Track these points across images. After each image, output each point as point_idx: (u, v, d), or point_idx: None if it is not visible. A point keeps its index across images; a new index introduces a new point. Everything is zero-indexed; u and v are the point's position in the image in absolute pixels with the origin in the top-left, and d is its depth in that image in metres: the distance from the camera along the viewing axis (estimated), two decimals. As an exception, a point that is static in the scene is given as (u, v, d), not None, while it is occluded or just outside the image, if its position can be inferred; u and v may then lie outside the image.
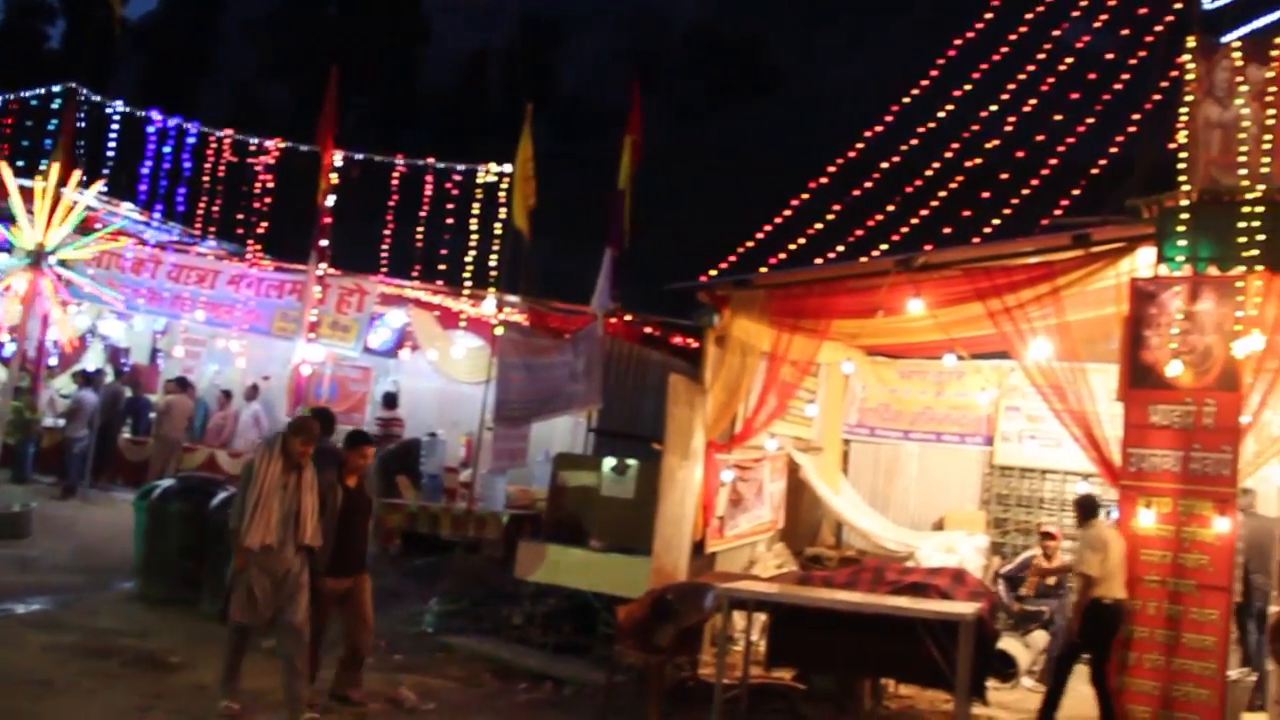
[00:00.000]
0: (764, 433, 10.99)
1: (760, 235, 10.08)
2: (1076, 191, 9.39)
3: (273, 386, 17.66)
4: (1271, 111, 8.59)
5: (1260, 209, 8.22)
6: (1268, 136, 8.53)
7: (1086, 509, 9.22)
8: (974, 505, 13.35)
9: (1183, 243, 8.42)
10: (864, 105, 10.37)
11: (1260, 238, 8.17)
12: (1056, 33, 10.16)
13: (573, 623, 10.31)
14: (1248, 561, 10.90)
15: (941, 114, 10.01)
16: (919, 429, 13.54)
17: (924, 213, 9.72)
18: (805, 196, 9.98)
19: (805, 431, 12.96)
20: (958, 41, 10.20)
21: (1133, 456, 8.56)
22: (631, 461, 10.68)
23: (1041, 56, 10.07)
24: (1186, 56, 8.96)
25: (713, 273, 9.94)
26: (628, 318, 13.87)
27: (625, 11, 50.78)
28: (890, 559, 11.77)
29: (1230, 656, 8.88)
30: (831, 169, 10.16)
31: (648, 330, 14.75)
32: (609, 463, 10.89)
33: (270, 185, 18.81)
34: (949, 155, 9.89)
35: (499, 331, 13.45)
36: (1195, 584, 8.35)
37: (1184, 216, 8.43)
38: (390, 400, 16.68)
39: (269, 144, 18.98)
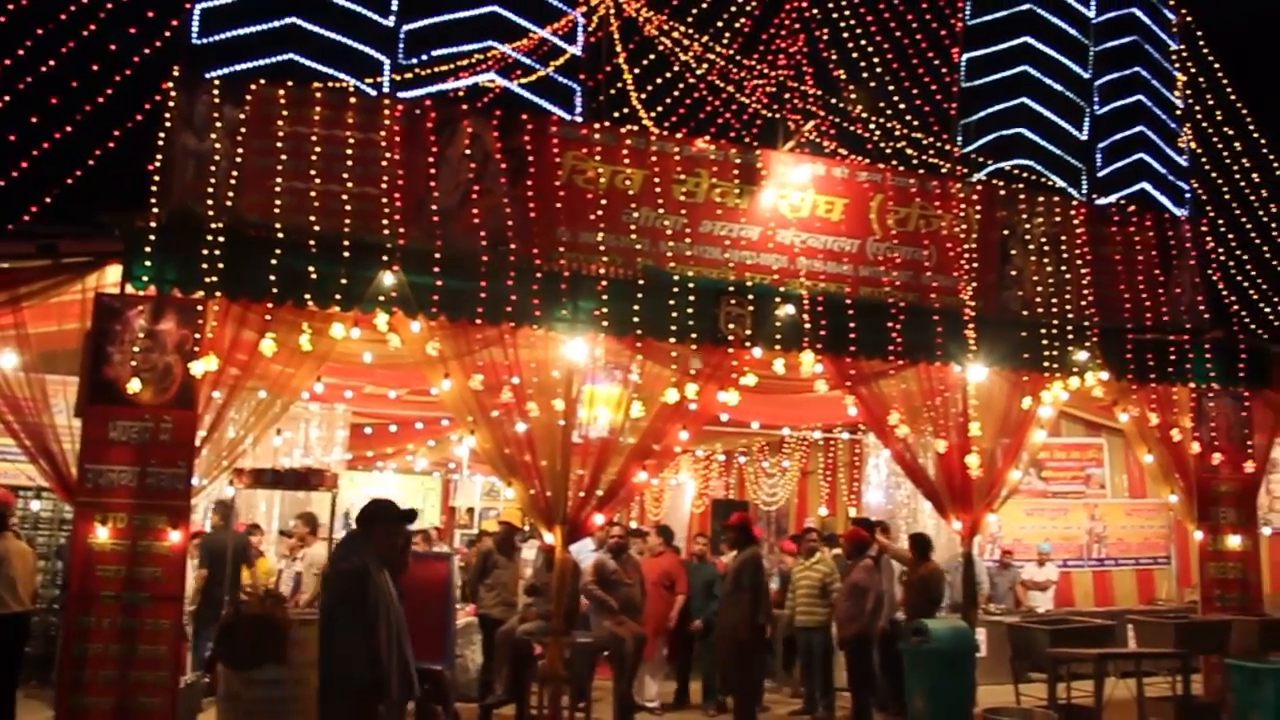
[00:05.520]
0: None
1: None
2: (49, 200, 9.04)
3: None
4: (241, 149, 9.14)
5: (223, 239, 8.63)
6: (236, 172, 9.05)
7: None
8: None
9: (149, 263, 8.52)
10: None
11: (221, 266, 8.57)
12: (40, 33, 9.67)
13: None
14: (212, 572, 11.61)
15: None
16: None
17: None
18: None
19: None
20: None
21: (90, 472, 8.46)
22: None
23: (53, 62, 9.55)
24: (170, 84, 9.17)
25: None
26: None
27: None
28: None
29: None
30: None
31: None
32: None
33: None
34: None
35: None
36: (150, 596, 8.47)
37: (152, 238, 8.54)
38: None
39: None
